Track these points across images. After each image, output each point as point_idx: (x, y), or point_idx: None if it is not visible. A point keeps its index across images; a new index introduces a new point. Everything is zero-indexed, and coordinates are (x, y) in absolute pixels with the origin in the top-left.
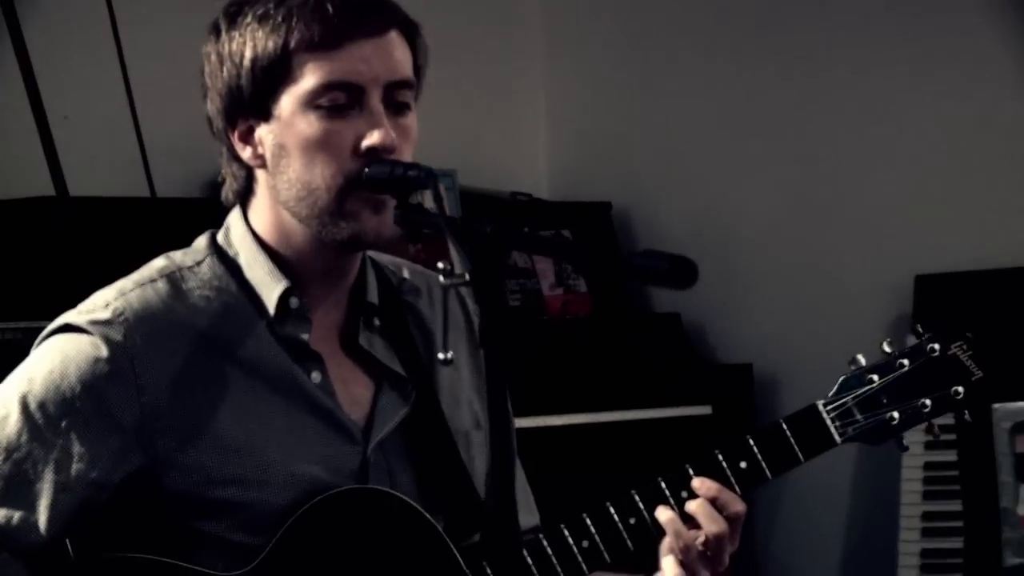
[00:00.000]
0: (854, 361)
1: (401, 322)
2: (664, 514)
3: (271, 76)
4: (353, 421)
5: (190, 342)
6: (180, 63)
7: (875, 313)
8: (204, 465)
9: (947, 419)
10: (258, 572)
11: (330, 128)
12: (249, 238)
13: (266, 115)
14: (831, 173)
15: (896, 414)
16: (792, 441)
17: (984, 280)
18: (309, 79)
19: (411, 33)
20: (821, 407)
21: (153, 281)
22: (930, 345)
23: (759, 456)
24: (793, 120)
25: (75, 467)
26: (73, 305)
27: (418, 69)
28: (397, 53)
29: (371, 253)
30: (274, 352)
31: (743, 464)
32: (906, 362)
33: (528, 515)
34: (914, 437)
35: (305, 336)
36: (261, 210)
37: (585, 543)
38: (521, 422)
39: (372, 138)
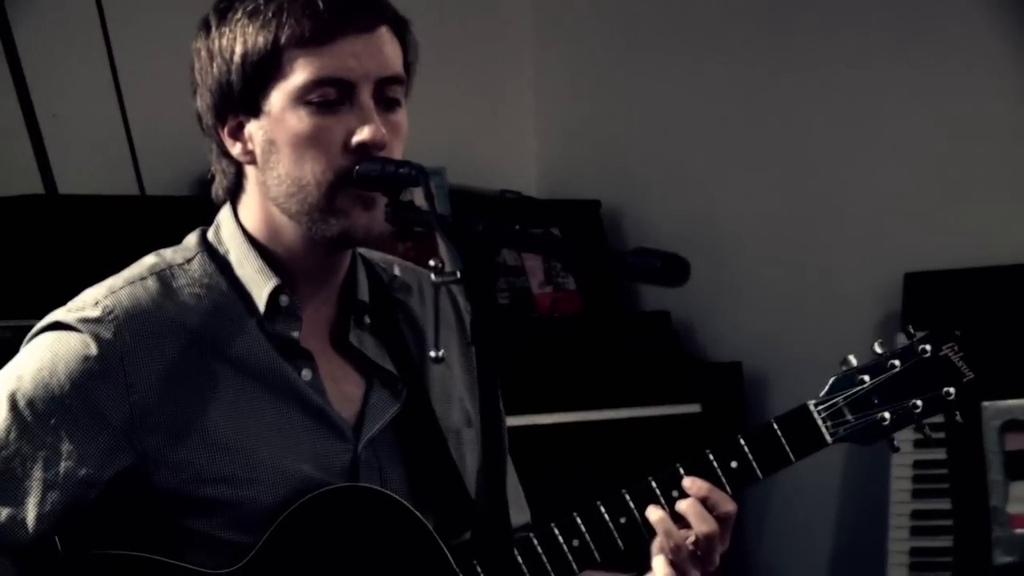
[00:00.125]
0: (845, 362)
1: (392, 320)
2: (654, 514)
3: (261, 72)
4: (344, 419)
5: (180, 340)
6: (169, 61)
7: (864, 311)
8: (194, 463)
9: (937, 418)
10: (248, 570)
11: (320, 124)
12: (239, 235)
13: (256, 111)
14: (820, 171)
15: (887, 414)
16: (783, 441)
17: (973, 278)
18: (299, 75)
19: (401, 29)
20: (812, 407)
21: (143, 279)
22: (922, 346)
23: (750, 456)
24: (783, 119)
25: (64, 465)
26: (63, 304)
27: (408, 66)
28: (387, 49)
29: (362, 250)
30: (264, 350)
31: (734, 464)
32: (897, 363)
33: (519, 513)
34: (903, 435)
35: (295, 334)
36: (251, 207)
37: (575, 542)
38: (510, 421)
39: (362, 134)
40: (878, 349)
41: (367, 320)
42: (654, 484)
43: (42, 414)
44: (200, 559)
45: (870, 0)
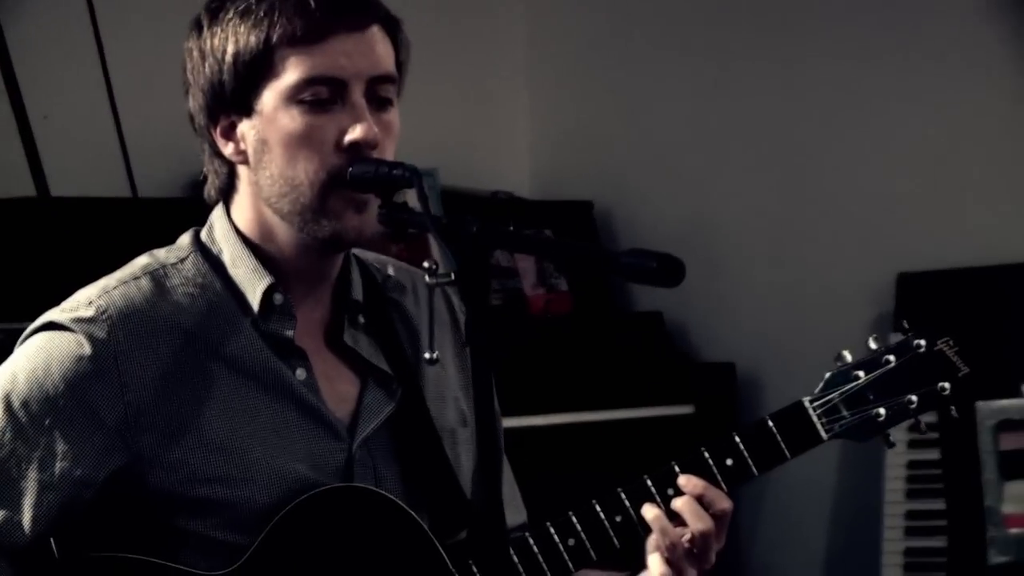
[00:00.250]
0: (840, 357)
1: (386, 319)
2: (650, 512)
3: (253, 71)
4: (338, 418)
5: (174, 339)
6: (161, 62)
7: (858, 311)
8: (188, 463)
9: (931, 416)
10: (243, 572)
11: (313, 123)
12: (232, 235)
13: (248, 111)
14: (813, 172)
15: (882, 410)
16: (778, 438)
17: (966, 278)
18: (291, 74)
19: (393, 29)
20: (807, 403)
21: (136, 279)
22: (916, 341)
23: (745, 453)
24: (775, 120)
25: (59, 465)
26: (56, 306)
27: (400, 65)
28: (379, 48)
29: (355, 250)
30: (258, 349)
31: (729, 461)
32: (892, 358)
33: (515, 513)
34: (898, 435)
35: (290, 333)
36: (243, 207)
37: (571, 541)
38: (502, 422)
39: (355, 132)
40: (873, 345)
41: (361, 319)
42: (649, 482)
43: (37, 415)
44: (195, 560)
45: (863, 1)
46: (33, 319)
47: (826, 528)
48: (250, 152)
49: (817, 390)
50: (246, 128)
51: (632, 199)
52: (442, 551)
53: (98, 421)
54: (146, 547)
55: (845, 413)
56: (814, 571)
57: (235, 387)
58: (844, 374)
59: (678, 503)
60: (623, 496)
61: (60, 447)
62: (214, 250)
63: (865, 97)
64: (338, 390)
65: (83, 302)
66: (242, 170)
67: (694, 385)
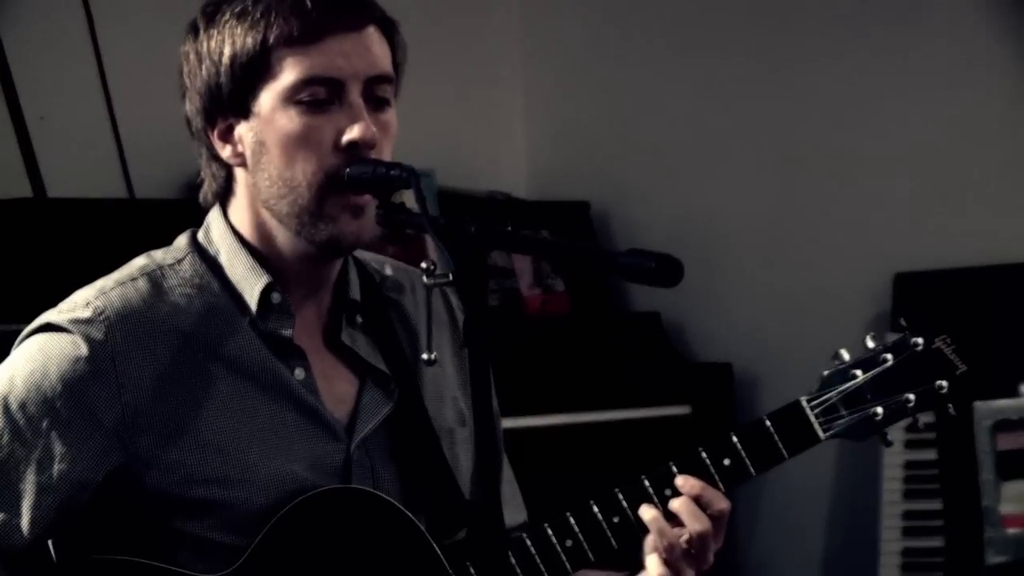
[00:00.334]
0: (837, 356)
1: (384, 319)
2: (648, 512)
3: (250, 72)
4: (336, 418)
5: (171, 340)
6: (158, 63)
7: (854, 312)
8: (185, 464)
9: (928, 416)
10: (240, 574)
11: (310, 123)
12: (229, 235)
13: (246, 112)
14: (810, 172)
15: (880, 409)
16: (776, 437)
17: (963, 278)
18: (288, 74)
19: (389, 30)
20: (804, 403)
21: (134, 280)
22: (914, 339)
23: (743, 453)
24: (772, 120)
25: (57, 467)
26: (52, 308)
27: (397, 66)
28: (376, 48)
29: None
30: (257, 349)
31: (727, 461)
32: (889, 356)
33: (516, 512)
34: (895, 436)
35: (288, 332)
36: (241, 210)
37: (569, 542)
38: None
39: (352, 132)
40: (870, 343)
41: (359, 319)
42: (647, 483)
43: (34, 417)
44: (192, 562)
45: (857, 1)
46: (29, 321)
47: (823, 528)
48: (248, 154)
49: (814, 389)
50: (244, 130)
51: (629, 199)
52: (439, 553)
53: (96, 422)
54: (143, 549)
55: (842, 412)
56: (812, 571)
57: (233, 388)
58: (842, 373)
59: (675, 504)
60: (620, 497)
61: (58, 449)
62: (211, 251)
63: (861, 98)
64: (336, 390)
65: (80, 303)
66: (240, 173)
67: (691, 385)
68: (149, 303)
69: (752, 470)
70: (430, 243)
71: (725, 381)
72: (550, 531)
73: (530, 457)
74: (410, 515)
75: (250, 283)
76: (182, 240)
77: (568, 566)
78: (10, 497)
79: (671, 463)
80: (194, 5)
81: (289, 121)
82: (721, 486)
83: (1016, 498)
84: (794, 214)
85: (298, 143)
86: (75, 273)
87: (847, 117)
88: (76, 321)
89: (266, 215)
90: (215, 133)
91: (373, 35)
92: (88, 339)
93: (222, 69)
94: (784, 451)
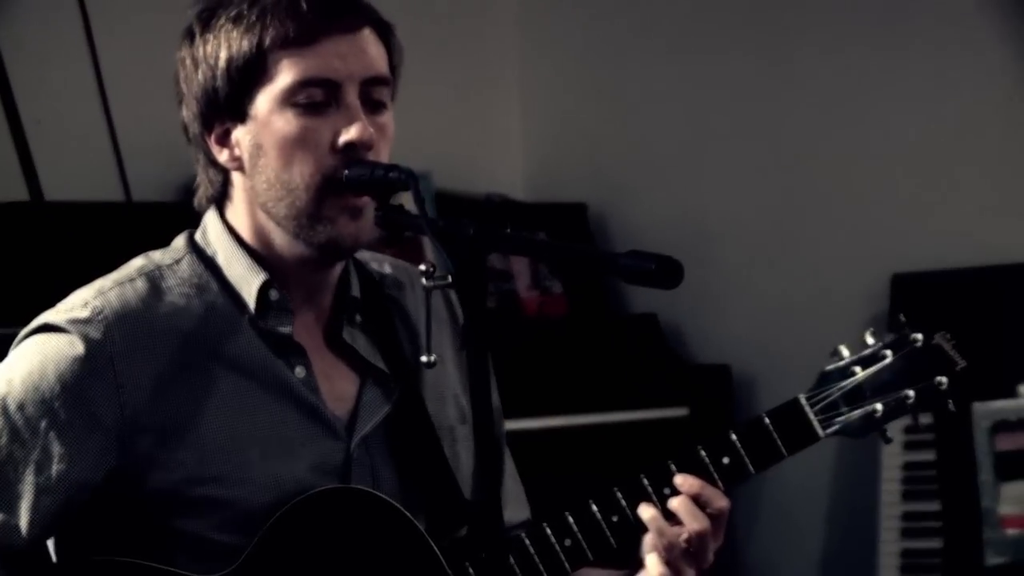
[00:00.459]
0: (836, 353)
1: (384, 317)
2: (646, 512)
3: (247, 76)
4: (337, 417)
5: (170, 340)
6: (154, 66)
7: (852, 312)
8: (185, 463)
9: (927, 416)
10: (239, 574)
11: (307, 125)
12: (226, 236)
13: (243, 116)
14: (807, 173)
15: (879, 406)
16: (775, 435)
17: (961, 279)
18: (285, 77)
19: (385, 32)
20: (803, 401)
21: (132, 280)
22: (913, 335)
23: (742, 451)
24: (770, 121)
25: (56, 468)
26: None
27: (393, 68)
28: (372, 50)
29: None
30: (257, 347)
31: (726, 460)
32: (889, 353)
33: (519, 510)
34: (894, 436)
35: (287, 329)
36: (239, 214)
37: (568, 542)
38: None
39: (349, 133)
40: (869, 340)
41: (359, 318)
42: (646, 482)
43: (33, 417)
44: (191, 562)
45: (858, 1)
46: (27, 324)
47: (822, 529)
48: (245, 157)
49: (813, 387)
50: (241, 134)
51: (626, 201)
52: (438, 552)
53: (95, 422)
54: (142, 549)
55: (841, 410)
56: (810, 571)
57: (233, 387)
58: (841, 370)
59: (674, 503)
60: (619, 496)
61: (57, 449)
62: (208, 251)
63: (859, 98)
64: (337, 388)
65: (78, 303)
66: (237, 177)
67: (689, 387)
68: (147, 303)
69: (751, 468)
70: (428, 245)
71: (723, 383)
72: (549, 531)
73: (528, 460)
74: (409, 515)
75: (248, 281)
76: (179, 241)
77: (567, 566)
78: (9, 498)
79: (670, 461)
80: (190, 8)
81: (286, 123)
82: (720, 484)
83: (1015, 499)
84: (791, 215)
85: (295, 145)
86: (72, 276)
87: (845, 118)
88: (74, 321)
89: (264, 218)
90: (212, 138)
91: (369, 37)
92: (86, 339)
93: (218, 73)
94: (783, 449)
